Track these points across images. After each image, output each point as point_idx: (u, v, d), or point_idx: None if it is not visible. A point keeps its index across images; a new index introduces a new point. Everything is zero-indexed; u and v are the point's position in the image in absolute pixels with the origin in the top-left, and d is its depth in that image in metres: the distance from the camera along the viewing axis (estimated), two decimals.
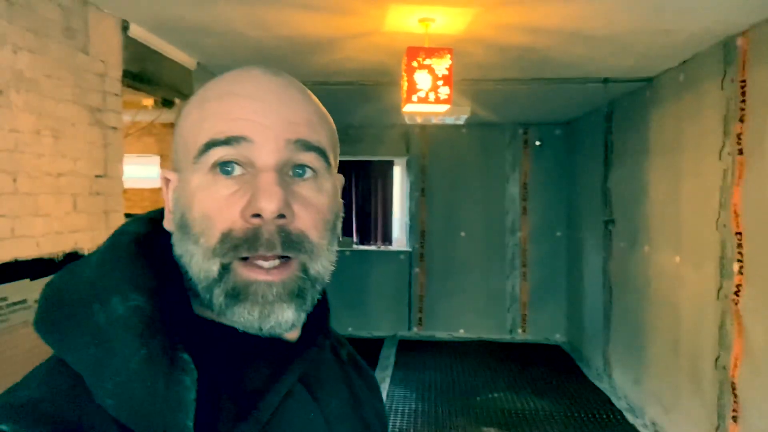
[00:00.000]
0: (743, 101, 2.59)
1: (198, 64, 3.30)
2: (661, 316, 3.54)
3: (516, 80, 3.63)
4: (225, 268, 0.50)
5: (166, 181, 0.57)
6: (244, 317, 0.50)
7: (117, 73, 2.56)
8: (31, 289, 1.99)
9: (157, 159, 5.45)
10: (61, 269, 0.53)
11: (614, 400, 4.26)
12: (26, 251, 1.99)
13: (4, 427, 0.44)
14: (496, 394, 4.47)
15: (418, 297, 6.05)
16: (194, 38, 2.82)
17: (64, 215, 2.19)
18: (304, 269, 0.52)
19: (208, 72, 3.43)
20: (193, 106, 0.55)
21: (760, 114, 2.48)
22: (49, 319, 0.50)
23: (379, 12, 2.36)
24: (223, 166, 0.51)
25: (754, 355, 2.51)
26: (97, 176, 2.41)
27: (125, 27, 2.59)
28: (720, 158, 2.80)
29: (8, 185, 1.92)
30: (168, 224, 0.56)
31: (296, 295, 0.52)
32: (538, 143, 5.90)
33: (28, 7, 1.99)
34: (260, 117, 0.51)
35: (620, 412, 4.06)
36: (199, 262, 0.51)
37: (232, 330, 0.53)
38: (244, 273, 0.50)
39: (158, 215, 0.59)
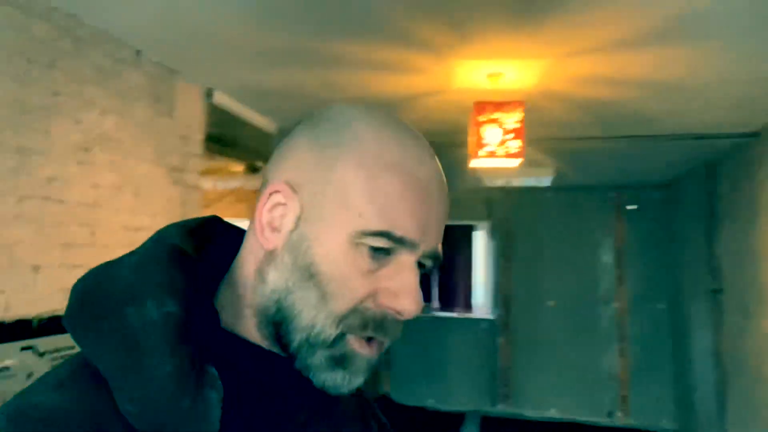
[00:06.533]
0: None
1: (279, 128, 3.44)
2: None
3: (599, 138, 3.45)
4: (341, 336, 0.53)
5: (276, 192, 0.55)
6: (335, 380, 0.53)
7: (199, 136, 2.71)
8: None
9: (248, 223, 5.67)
10: (96, 267, 0.53)
11: None
12: None
13: None
14: None
15: (502, 370, 5.69)
16: (272, 103, 2.95)
17: None
18: (381, 346, 0.56)
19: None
20: (367, 159, 0.53)
21: None
22: (81, 316, 0.50)
23: (446, 69, 2.34)
24: (380, 250, 0.53)
25: None
26: None
27: (209, 94, 2.76)
28: None
29: (86, 237, 2.03)
30: (268, 243, 0.55)
31: (372, 368, 0.56)
32: (632, 207, 5.53)
33: (117, 74, 2.17)
34: (430, 221, 0.54)
35: None
36: (319, 319, 0.52)
37: (259, 349, 0.55)
38: (355, 344, 0.53)
39: (194, 224, 0.60)
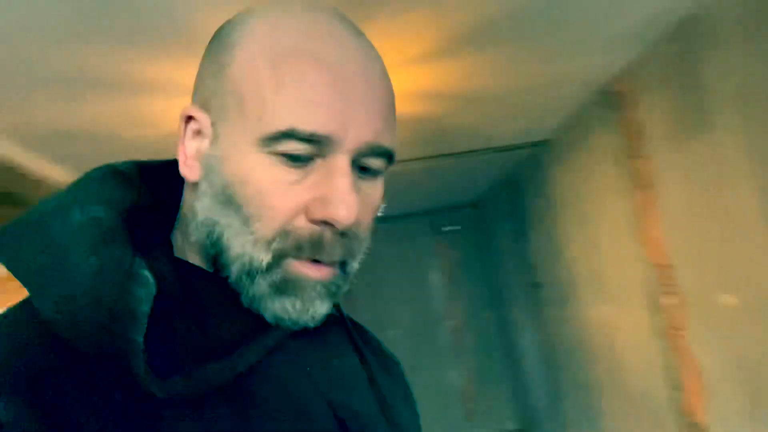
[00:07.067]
0: (636, 139, 2.68)
1: None
2: (607, 373, 3.39)
3: (417, 159, 3.63)
4: (276, 261, 0.47)
5: (189, 118, 0.51)
6: (286, 309, 0.48)
7: None
8: None
9: None
10: None
11: None
12: None
13: None
14: None
15: None
16: (67, 147, 2.56)
17: None
18: (343, 266, 0.51)
19: None
20: (260, 55, 0.46)
21: (654, 148, 2.56)
22: (6, 231, 0.47)
23: None
24: (294, 156, 0.46)
25: (712, 386, 2.38)
26: None
27: None
28: (626, 198, 2.84)
29: None
30: (191, 174, 0.50)
31: (333, 292, 0.51)
32: (452, 228, 5.93)
33: None
34: (351, 109, 0.46)
35: None
36: (247, 246, 0.47)
37: (218, 278, 0.50)
38: (297, 268, 0.48)
39: (157, 164, 0.57)
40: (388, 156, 0.50)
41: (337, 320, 0.59)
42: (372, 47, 0.51)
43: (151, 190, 0.53)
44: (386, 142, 0.49)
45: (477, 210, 5.88)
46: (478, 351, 5.76)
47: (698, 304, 2.42)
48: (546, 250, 4.15)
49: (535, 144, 3.73)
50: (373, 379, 0.58)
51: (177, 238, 0.53)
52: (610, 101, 2.84)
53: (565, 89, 2.80)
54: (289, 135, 0.44)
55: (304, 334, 0.52)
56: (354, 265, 0.52)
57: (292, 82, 0.44)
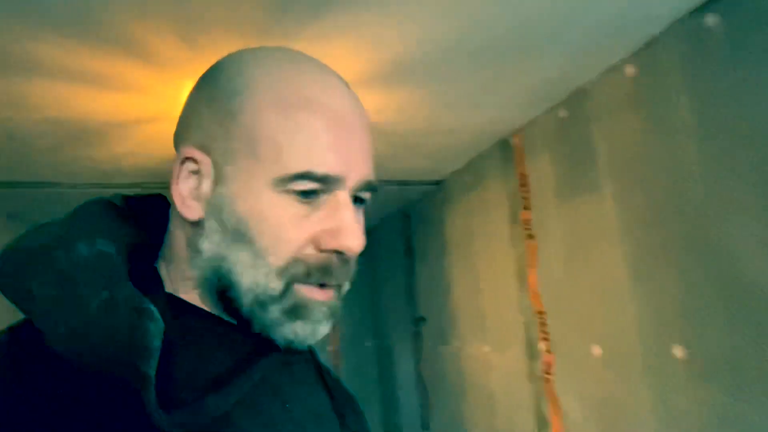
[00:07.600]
0: (526, 191, 2.86)
1: None
2: (478, 411, 3.53)
3: None
4: (286, 288, 0.52)
5: (187, 159, 0.53)
6: (296, 332, 0.53)
7: None
8: None
9: None
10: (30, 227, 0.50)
11: None
12: None
13: None
14: None
15: None
16: None
17: None
18: (338, 289, 0.56)
19: None
20: (270, 104, 0.51)
21: (541, 201, 2.75)
22: (5, 264, 0.46)
23: (174, 90, 2.13)
24: (304, 192, 0.51)
25: (575, 427, 2.56)
26: None
27: None
28: (512, 245, 3.01)
29: None
30: (191, 213, 0.53)
31: (334, 313, 0.56)
32: None
33: None
34: (352, 151, 0.52)
35: None
36: (259, 276, 0.51)
37: (204, 312, 0.54)
38: (305, 292, 0.53)
39: (133, 196, 0.58)
40: (374, 189, 0.58)
41: (307, 357, 0.63)
42: (355, 95, 0.58)
43: (137, 224, 0.56)
44: (374, 177, 0.57)
45: (366, 239, 5.93)
46: (354, 377, 5.75)
47: (566, 351, 2.60)
48: (432, 286, 4.27)
49: (431, 182, 3.86)
50: (342, 417, 0.62)
51: (163, 272, 0.56)
52: (506, 153, 3.02)
53: (465, 136, 2.94)
54: (304, 176, 0.50)
55: (283, 369, 0.56)
56: (347, 287, 0.57)
57: (304, 128, 0.50)
